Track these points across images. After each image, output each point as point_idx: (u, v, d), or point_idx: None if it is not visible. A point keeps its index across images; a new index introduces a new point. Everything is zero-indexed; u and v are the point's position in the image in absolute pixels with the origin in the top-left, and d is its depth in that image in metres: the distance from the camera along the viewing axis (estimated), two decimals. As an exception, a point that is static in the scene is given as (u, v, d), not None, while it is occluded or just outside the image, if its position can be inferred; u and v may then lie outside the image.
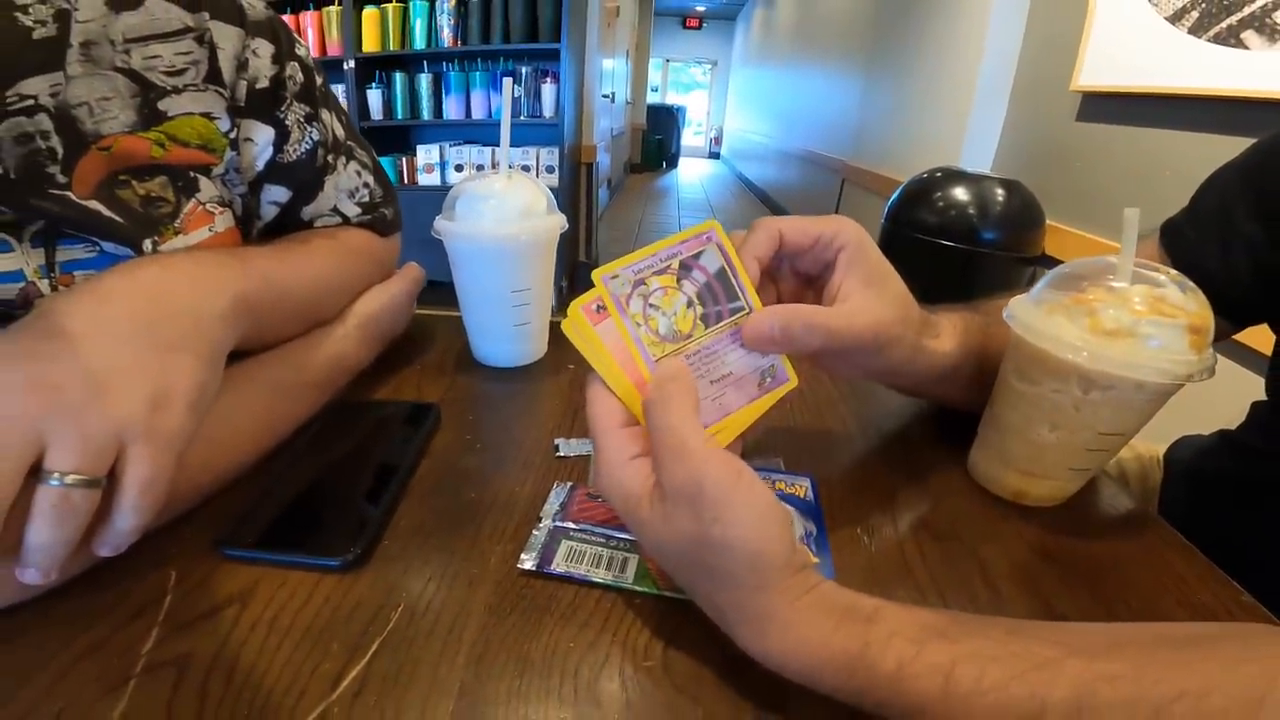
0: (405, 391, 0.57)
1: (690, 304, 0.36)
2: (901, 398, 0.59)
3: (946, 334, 0.46)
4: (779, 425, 0.53)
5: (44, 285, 0.40)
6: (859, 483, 0.47)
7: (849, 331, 0.38)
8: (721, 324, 0.36)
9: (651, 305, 0.35)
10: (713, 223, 0.37)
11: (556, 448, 0.49)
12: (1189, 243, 0.56)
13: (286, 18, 2.99)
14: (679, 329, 0.35)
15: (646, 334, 0.35)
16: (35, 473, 0.29)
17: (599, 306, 0.34)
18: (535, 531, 0.40)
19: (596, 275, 0.34)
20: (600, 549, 0.38)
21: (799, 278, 0.42)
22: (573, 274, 3.50)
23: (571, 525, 0.40)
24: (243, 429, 0.44)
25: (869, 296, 0.39)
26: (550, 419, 0.53)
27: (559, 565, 0.37)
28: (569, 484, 0.44)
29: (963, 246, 1.62)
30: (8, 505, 0.27)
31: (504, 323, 0.60)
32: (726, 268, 0.37)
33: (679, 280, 0.36)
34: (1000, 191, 1.65)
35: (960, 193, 1.66)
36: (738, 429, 0.36)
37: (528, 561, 0.37)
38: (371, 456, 0.46)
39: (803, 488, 0.45)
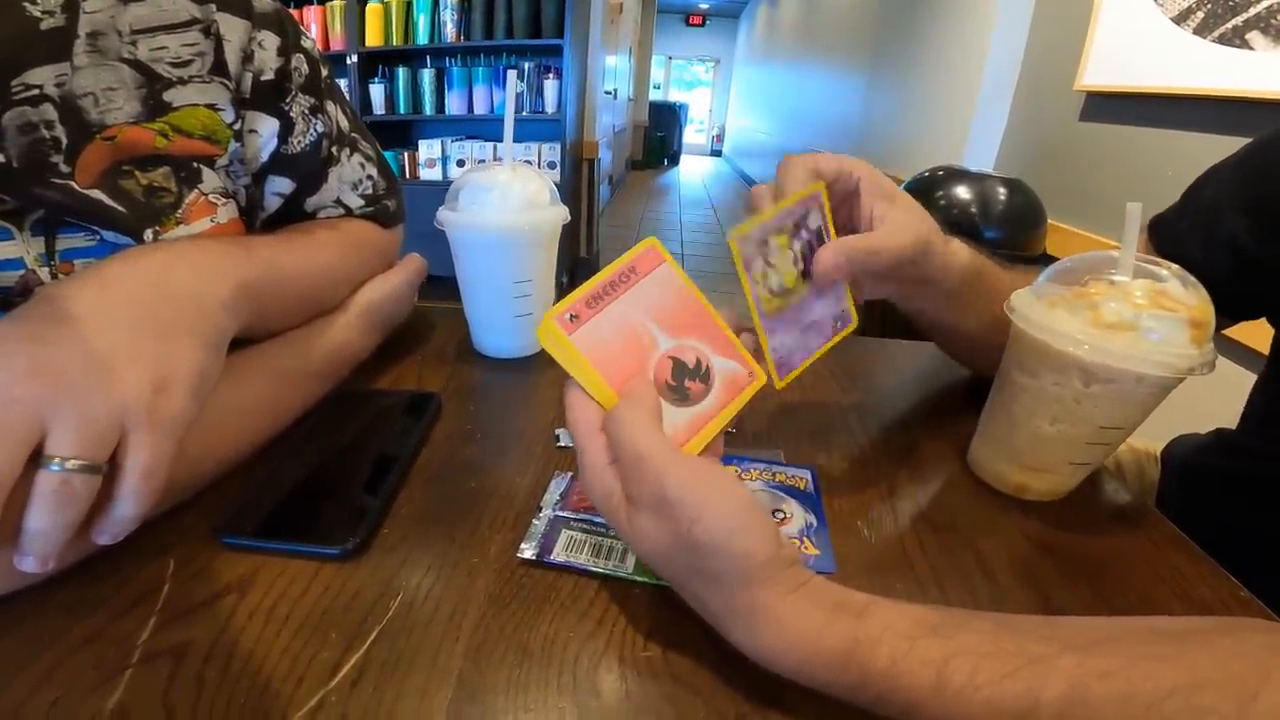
0: (406, 381, 0.57)
1: (795, 260, 0.40)
2: (900, 389, 0.59)
3: (957, 244, 0.48)
4: (781, 418, 0.53)
5: (44, 273, 0.40)
6: (860, 476, 0.47)
7: (898, 246, 0.42)
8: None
9: (769, 264, 0.39)
10: (819, 185, 0.41)
11: (557, 438, 0.49)
12: (1176, 234, 0.56)
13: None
14: (786, 285, 0.40)
15: (763, 291, 0.39)
16: (35, 458, 0.29)
17: (572, 316, 0.33)
18: (535, 521, 0.40)
19: (733, 238, 0.37)
20: (600, 539, 0.38)
21: None
22: (574, 269, 3.49)
23: (571, 515, 0.40)
24: (244, 416, 0.44)
25: (900, 213, 0.43)
26: (551, 409, 0.53)
27: (559, 555, 0.37)
28: (569, 474, 0.44)
29: (964, 245, 1.62)
30: (8, 490, 0.27)
31: (505, 314, 0.60)
32: (823, 227, 0.42)
33: (791, 239, 0.40)
34: (1002, 190, 1.64)
35: (962, 191, 1.65)
36: (711, 433, 0.35)
37: (527, 551, 0.37)
38: (372, 446, 0.46)
39: (803, 480, 0.45)
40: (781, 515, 0.41)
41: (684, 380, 0.35)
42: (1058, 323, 0.40)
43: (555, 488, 0.43)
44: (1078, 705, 0.24)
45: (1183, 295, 0.39)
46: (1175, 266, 0.40)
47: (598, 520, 0.40)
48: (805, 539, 0.40)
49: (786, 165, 0.42)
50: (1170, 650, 0.25)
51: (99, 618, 0.32)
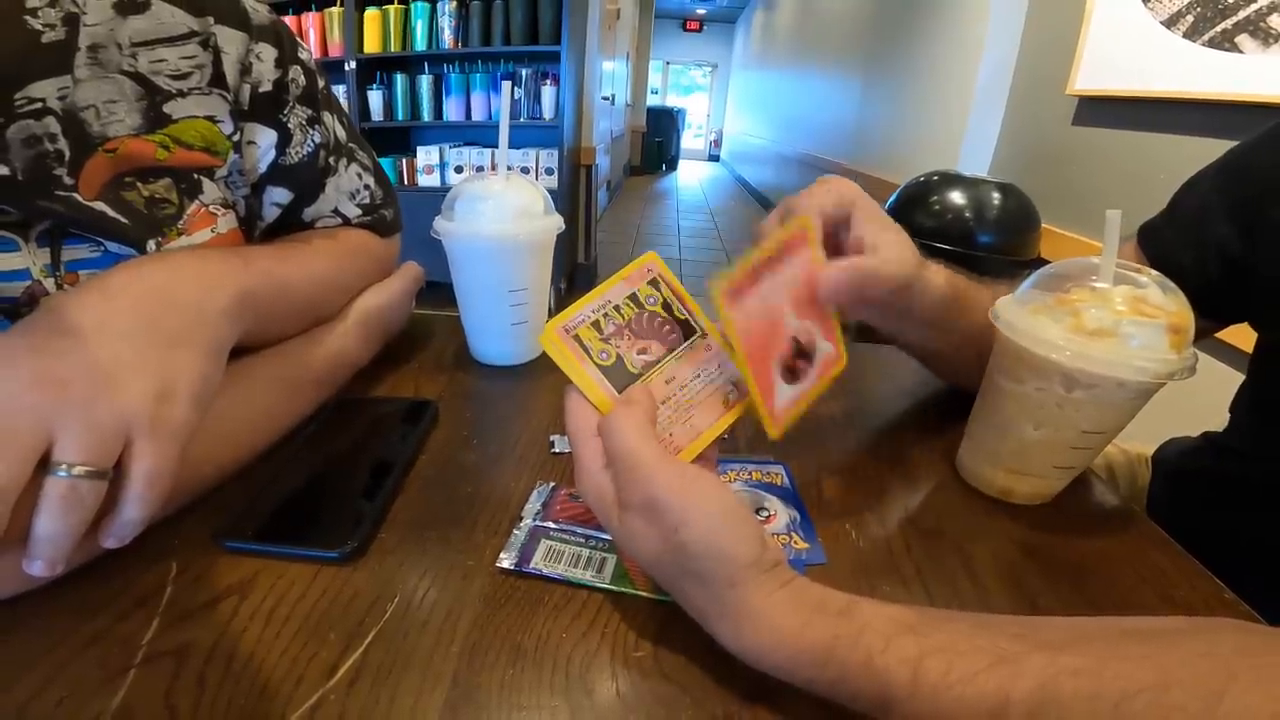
0: (404, 389, 0.58)
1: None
2: (890, 394, 0.60)
3: (934, 269, 0.49)
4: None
5: (49, 284, 0.40)
6: (848, 479, 0.48)
7: (891, 274, 0.43)
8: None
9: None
10: (804, 220, 0.41)
11: (551, 444, 0.50)
12: (1166, 242, 0.57)
13: (288, 19, 3.00)
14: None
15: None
16: (43, 465, 0.29)
17: (733, 291, 0.36)
18: (516, 530, 0.40)
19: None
20: (579, 549, 0.39)
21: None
22: (571, 276, 3.50)
23: (551, 525, 0.41)
24: (245, 423, 0.44)
25: (893, 240, 0.44)
26: (546, 416, 0.54)
27: (537, 564, 0.37)
28: (550, 484, 0.45)
29: (959, 250, 1.63)
30: (16, 496, 0.28)
31: (501, 321, 0.60)
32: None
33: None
34: (996, 195, 1.65)
35: (956, 196, 1.66)
36: (705, 443, 0.36)
37: (506, 560, 0.38)
38: (370, 452, 0.47)
39: (778, 475, 0.46)
40: (766, 514, 0.42)
41: (798, 360, 0.39)
42: (1040, 329, 0.41)
43: (536, 498, 0.43)
44: (1048, 702, 0.24)
45: (1162, 301, 0.40)
46: (1154, 273, 0.41)
47: (578, 530, 0.40)
48: (793, 534, 0.41)
49: (788, 210, 0.43)
50: (1141, 650, 0.26)
51: (103, 619, 0.33)
